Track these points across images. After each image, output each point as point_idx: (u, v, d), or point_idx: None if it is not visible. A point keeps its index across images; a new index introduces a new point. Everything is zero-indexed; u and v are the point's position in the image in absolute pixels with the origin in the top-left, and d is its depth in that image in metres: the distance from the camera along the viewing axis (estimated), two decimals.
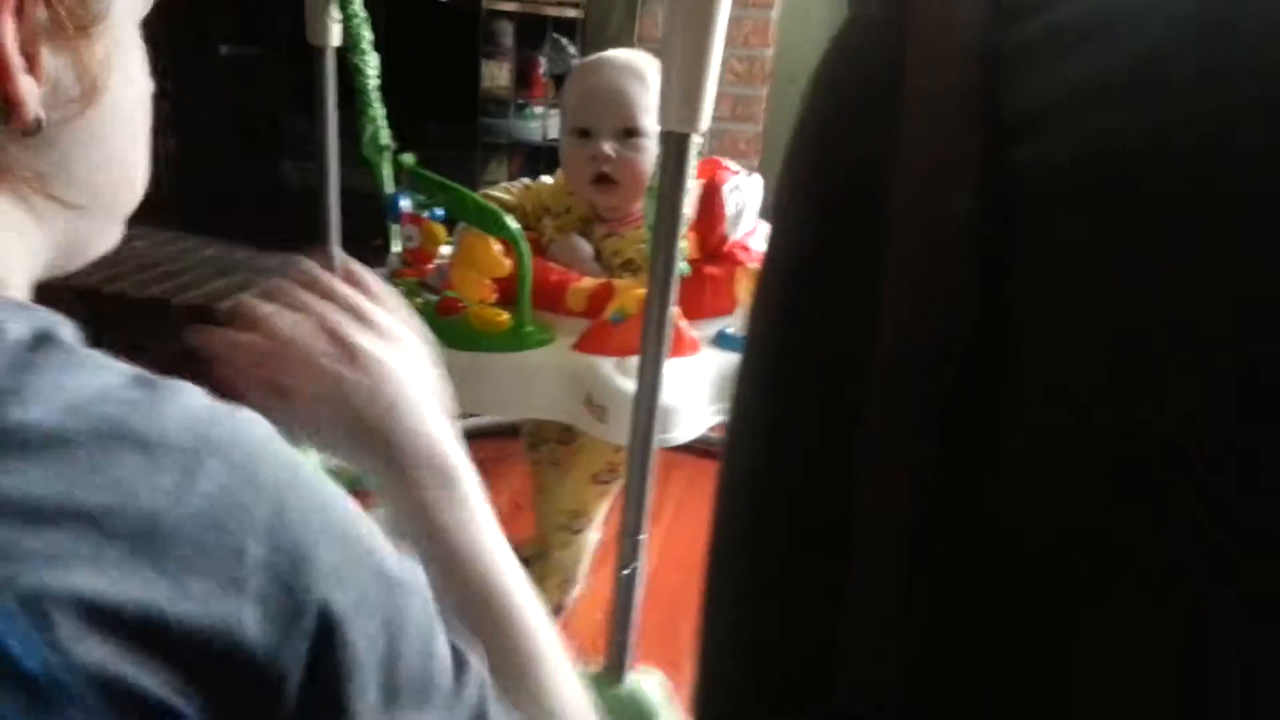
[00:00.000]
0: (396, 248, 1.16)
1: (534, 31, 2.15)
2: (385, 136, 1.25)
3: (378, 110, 1.24)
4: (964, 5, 0.15)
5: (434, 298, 1.03)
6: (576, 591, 1.24)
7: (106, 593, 0.27)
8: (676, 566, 1.35)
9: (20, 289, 0.36)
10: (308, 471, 0.33)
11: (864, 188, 0.16)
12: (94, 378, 0.30)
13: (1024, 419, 0.13)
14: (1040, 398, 0.13)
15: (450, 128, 2.18)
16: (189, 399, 0.31)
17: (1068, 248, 0.13)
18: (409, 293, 1.05)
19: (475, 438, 1.80)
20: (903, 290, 0.14)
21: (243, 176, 2.06)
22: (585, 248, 1.12)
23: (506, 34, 2.15)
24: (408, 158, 1.08)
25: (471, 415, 1.57)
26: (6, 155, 0.34)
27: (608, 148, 1.05)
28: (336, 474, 1.25)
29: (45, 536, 0.27)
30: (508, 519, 1.54)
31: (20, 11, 0.32)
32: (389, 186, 1.22)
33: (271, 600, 0.30)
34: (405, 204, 1.07)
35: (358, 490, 1.30)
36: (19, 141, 0.34)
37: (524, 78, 2.19)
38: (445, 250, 1.12)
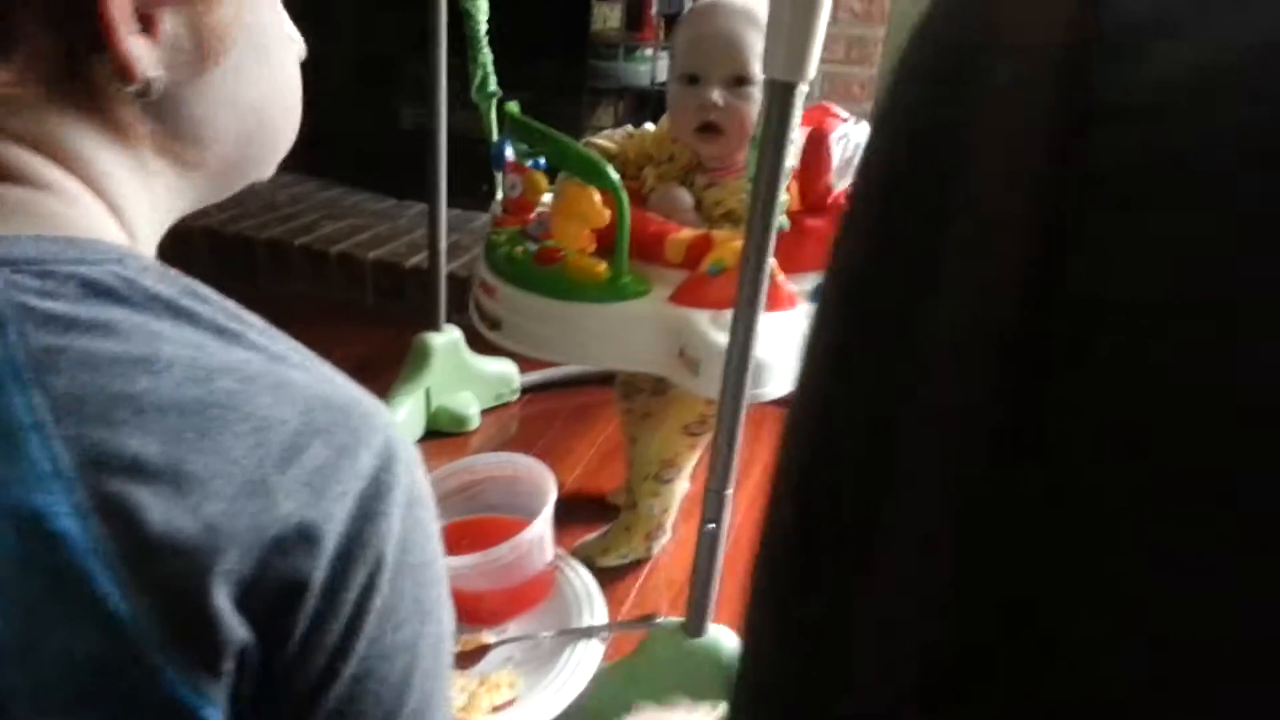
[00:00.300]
0: (500, 195, 1.18)
1: None
2: (493, 83, 1.26)
3: (486, 56, 1.25)
4: None
5: (534, 246, 1.04)
6: (664, 542, 1.26)
7: (207, 531, 0.29)
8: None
9: (146, 246, 0.37)
10: (407, 477, 0.34)
11: (941, 159, 0.14)
12: (220, 353, 0.32)
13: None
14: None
15: (559, 71, 2.18)
16: (307, 381, 0.33)
17: (1151, 252, 0.11)
18: (510, 241, 1.07)
19: (570, 385, 1.81)
20: (959, 311, 0.13)
21: (360, 119, 2.12)
22: (685, 198, 1.10)
23: None
24: (512, 106, 1.08)
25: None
26: (125, 115, 0.34)
27: (716, 96, 1.03)
28: (440, 413, 1.29)
29: (154, 489, 0.29)
30: (596, 468, 1.57)
31: None
32: (495, 134, 1.23)
33: (335, 574, 0.32)
34: (509, 152, 1.08)
35: (457, 433, 1.34)
36: (136, 103, 0.34)
37: (635, 19, 2.15)
38: (547, 198, 1.13)
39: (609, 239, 1.00)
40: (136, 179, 0.36)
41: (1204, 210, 0.11)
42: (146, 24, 0.33)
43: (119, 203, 0.36)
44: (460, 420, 1.54)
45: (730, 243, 0.99)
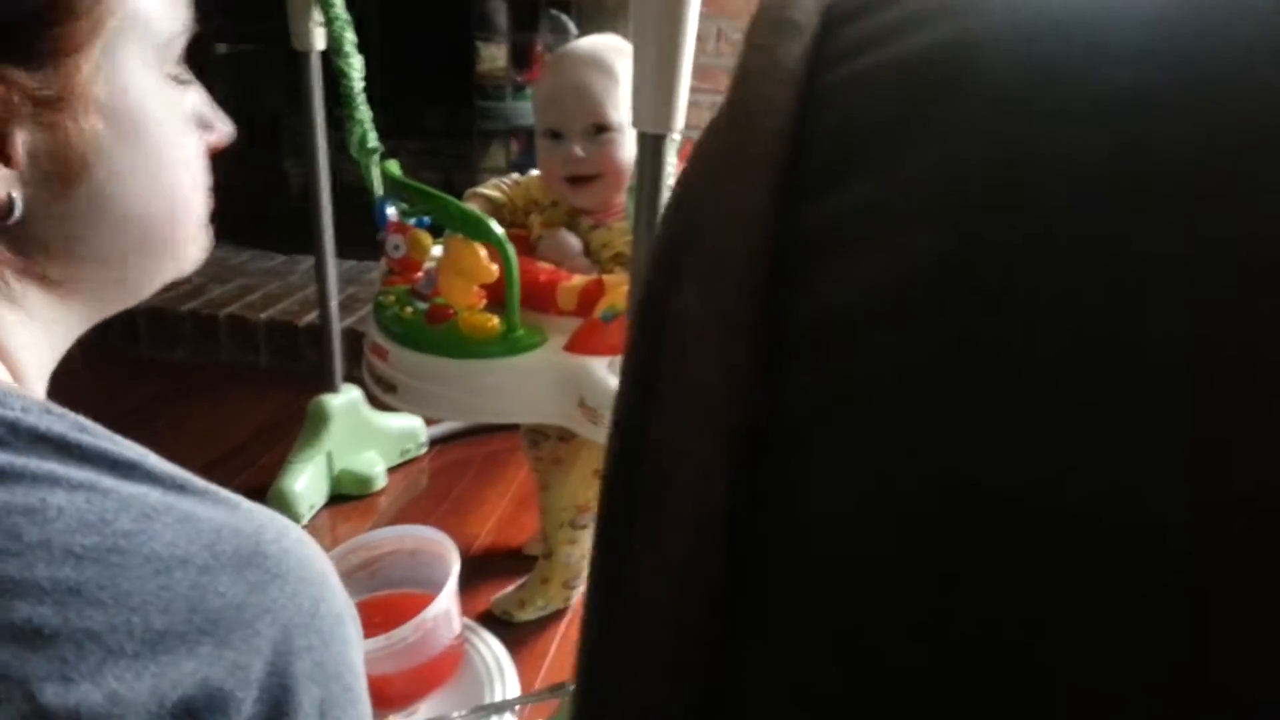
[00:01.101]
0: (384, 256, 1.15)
1: (530, 11, 2.11)
2: (373, 139, 1.23)
3: (364, 113, 1.23)
4: (751, 171, 0.12)
5: (424, 305, 1.02)
6: (582, 590, 1.24)
7: (108, 700, 0.27)
8: None
9: (38, 377, 0.36)
10: (326, 602, 0.33)
11: (641, 392, 0.13)
12: (116, 488, 0.30)
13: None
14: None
15: (448, 114, 2.15)
16: (211, 513, 0.31)
17: (828, 502, 0.11)
18: (399, 301, 1.04)
19: (478, 433, 1.77)
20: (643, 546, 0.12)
21: (243, 177, 2.05)
22: (574, 243, 1.10)
23: (501, 14, 2.11)
24: (392, 165, 1.06)
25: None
26: None
27: (578, 149, 1.03)
28: (344, 476, 1.24)
29: (49, 656, 0.27)
30: (510, 518, 1.54)
31: None
32: (379, 189, 1.20)
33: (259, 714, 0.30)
34: (391, 211, 1.05)
35: (363, 495, 1.29)
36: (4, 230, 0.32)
37: (522, 58, 2.15)
38: (436, 251, 1.11)
39: (500, 292, 0.98)
40: (10, 313, 0.34)
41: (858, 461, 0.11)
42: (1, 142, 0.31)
43: (5, 353, 0.34)
44: (365, 481, 1.49)
45: (622, 287, 0.99)
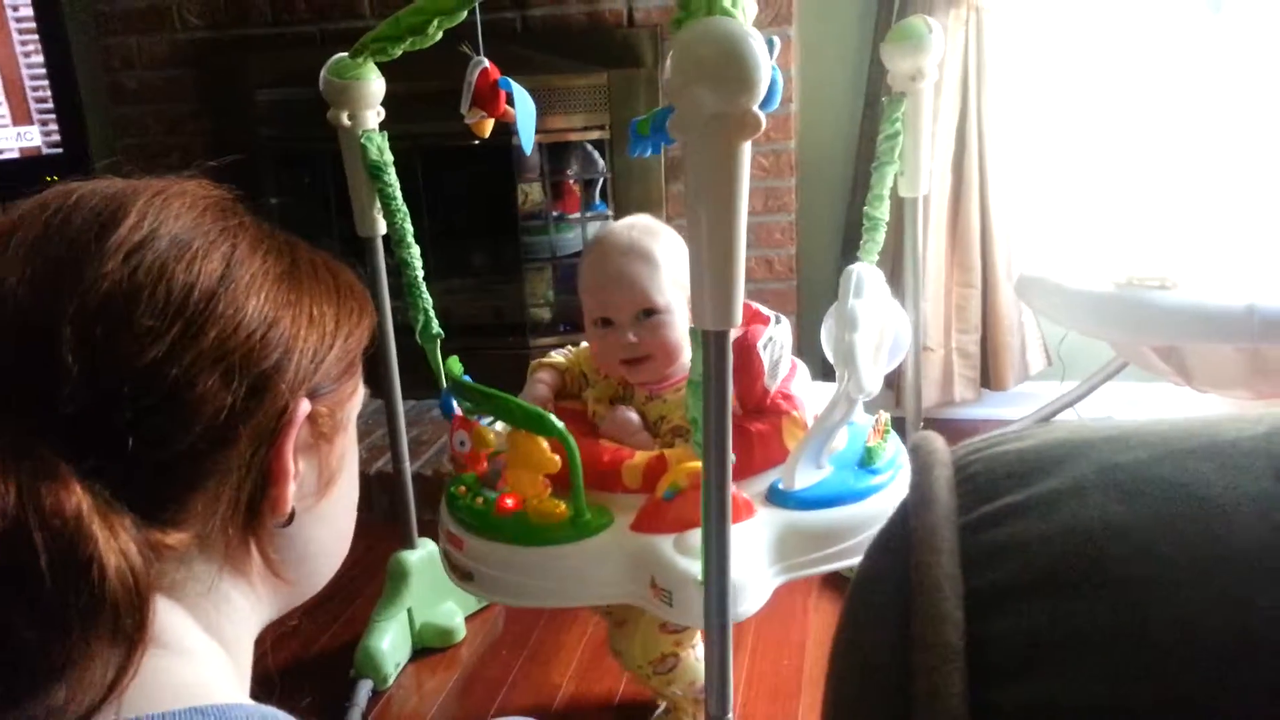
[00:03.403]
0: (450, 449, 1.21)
1: (564, 155, 2.21)
2: (435, 326, 1.31)
3: (426, 301, 1.31)
4: (945, 602, 0.20)
5: (492, 494, 1.07)
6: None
7: None
8: (765, 697, 1.35)
9: (246, 651, 0.43)
10: None
11: None
12: None
13: None
14: None
15: (493, 250, 2.26)
16: None
17: None
18: (470, 491, 1.10)
19: None
20: None
21: None
22: (633, 419, 1.15)
23: (537, 154, 2.21)
24: (454, 364, 1.13)
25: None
26: (258, 548, 0.41)
27: (630, 336, 1.08)
28: (425, 630, 1.29)
29: None
30: (590, 663, 1.56)
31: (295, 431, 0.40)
32: (442, 377, 1.28)
33: None
34: (455, 408, 1.12)
35: (445, 647, 1.33)
36: (272, 533, 0.41)
37: (557, 191, 2.24)
38: (499, 427, 1.16)
39: (566, 477, 1.03)
40: (248, 606, 0.42)
41: None
42: (294, 468, 0.41)
43: (231, 644, 0.41)
44: (446, 634, 1.53)
45: (682, 464, 1.03)
